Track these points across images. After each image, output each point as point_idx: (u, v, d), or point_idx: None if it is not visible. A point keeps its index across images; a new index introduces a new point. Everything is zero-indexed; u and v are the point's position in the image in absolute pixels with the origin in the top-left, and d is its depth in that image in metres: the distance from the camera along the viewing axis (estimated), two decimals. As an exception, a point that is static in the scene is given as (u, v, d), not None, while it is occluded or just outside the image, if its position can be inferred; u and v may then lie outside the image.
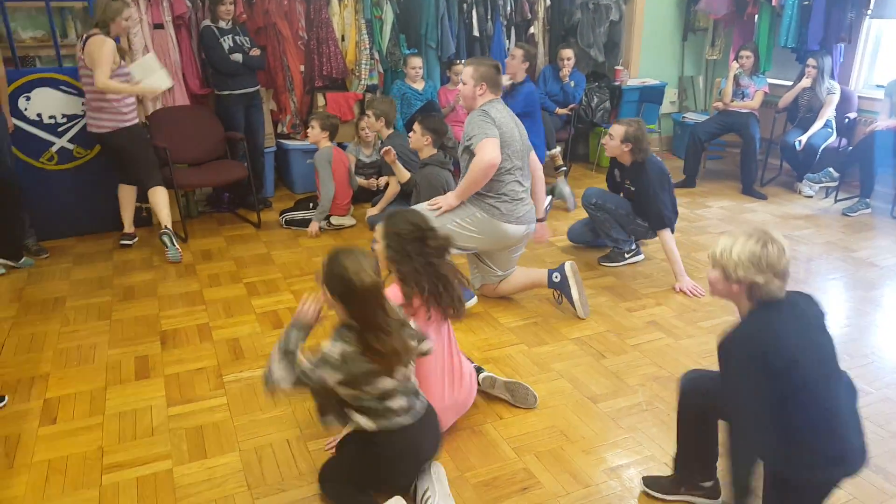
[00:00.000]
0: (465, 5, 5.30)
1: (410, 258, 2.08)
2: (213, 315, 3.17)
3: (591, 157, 5.93)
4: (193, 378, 2.64)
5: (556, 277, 3.15)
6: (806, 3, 4.98)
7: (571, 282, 3.12)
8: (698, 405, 1.86)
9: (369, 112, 4.35)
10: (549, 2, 5.64)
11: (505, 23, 5.49)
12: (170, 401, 2.49)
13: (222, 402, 2.48)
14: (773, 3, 5.25)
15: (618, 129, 3.49)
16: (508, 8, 5.47)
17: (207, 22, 4.26)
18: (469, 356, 2.79)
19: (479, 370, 2.52)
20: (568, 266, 3.14)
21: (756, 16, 5.55)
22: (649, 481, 2.04)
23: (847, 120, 4.98)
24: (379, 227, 2.17)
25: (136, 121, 3.79)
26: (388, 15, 5.04)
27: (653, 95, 5.78)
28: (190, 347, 2.88)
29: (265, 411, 2.42)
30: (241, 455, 2.18)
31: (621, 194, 3.74)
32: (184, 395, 2.52)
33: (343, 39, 5.00)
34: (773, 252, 1.55)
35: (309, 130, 4.22)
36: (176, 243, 3.79)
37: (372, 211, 4.40)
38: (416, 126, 3.65)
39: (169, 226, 3.85)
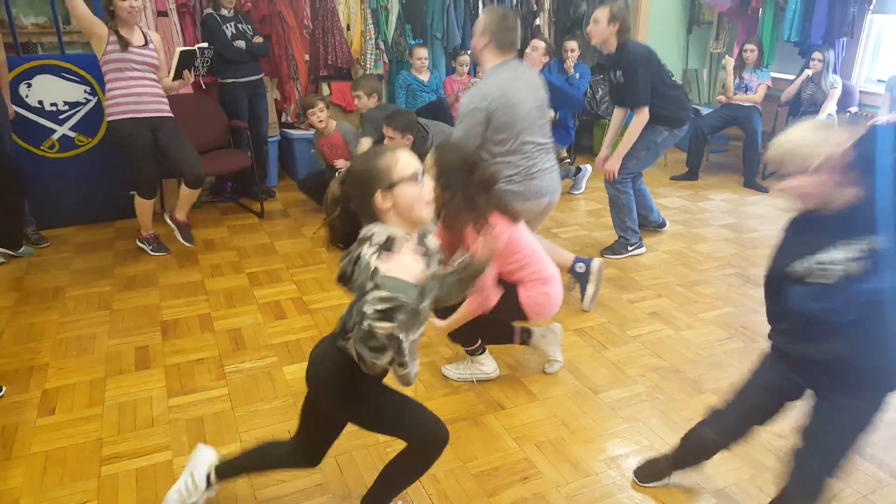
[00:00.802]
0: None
1: (455, 189, 2.14)
2: (215, 305, 3.17)
3: (595, 150, 5.90)
4: (194, 369, 2.64)
5: (581, 268, 3.10)
6: (810, -3, 4.96)
7: (593, 279, 3.09)
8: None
9: (360, 92, 4.09)
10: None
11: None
12: (170, 391, 2.48)
13: (223, 393, 2.48)
14: (779, -3, 5.23)
15: (602, 12, 3.36)
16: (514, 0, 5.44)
17: (210, 10, 4.24)
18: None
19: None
20: (596, 263, 3.09)
21: (760, 10, 5.52)
22: (640, 474, 2.03)
23: (848, 114, 4.96)
24: (428, 157, 2.22)
25: (122, 116, 3.43)
26: (394, 5, 5.02)
27: (656, 88, 5.75)
28: (191, 338, 2.88)
29: (266, 402, 2.42)
30: (241, 446, 2.18)
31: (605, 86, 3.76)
32: (184, 386, 2.52)
33: (348, 29, 4.99)
34: (836, 126, 1.49)
35: (318, 114, 4.09)
36: (157, 250, 3.76)
37: None
38: (391, 132, 3.42)
39: (146, 233, 3.77)
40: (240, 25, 4.27)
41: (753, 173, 5.13)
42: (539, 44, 4.49)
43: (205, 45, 3.78)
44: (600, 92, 5.63)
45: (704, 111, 5.67)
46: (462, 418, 2.33)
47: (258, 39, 4.34)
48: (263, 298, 3.24)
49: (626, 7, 3.25)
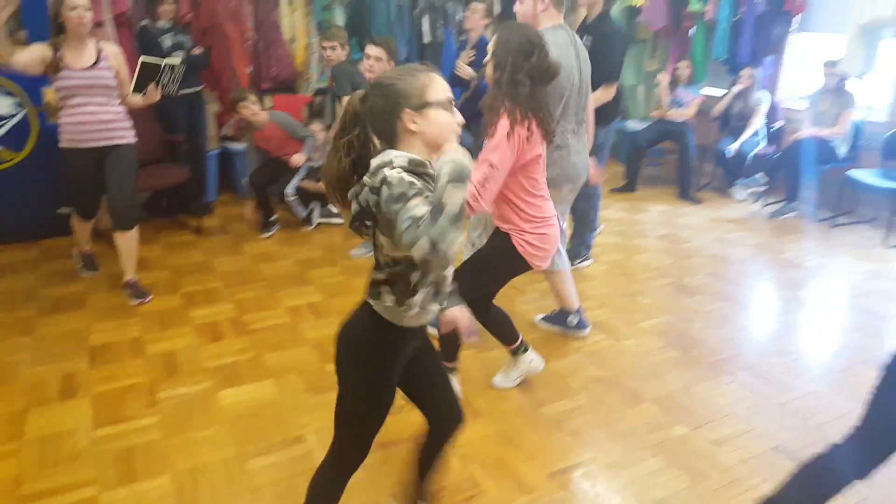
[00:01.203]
0: (415, 12, 5.29)
1: (504, 69, 2.04)
2: (147, 328, 3.03)
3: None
4: (124, 396, 2.51)
5: (573, 322, 3.03)
6: (737, 18, 5.20)
7: (568, 332, 3.05)
8: None
9: (335, 43, 3.87)
10: (497, 11, 5.69)
11: (455, 31, 5.51)
12: (97, 422, 2.35)
13: (154, 422, 2.36)
14: (707, 18, 5.46)
15: None
16: (458, 16, 5.48)
17: (145, 21, 4.10)
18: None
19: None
20: (586, 332, 3.05)
21: (692, 29, 5.76)
22: None
23: (775, 128, 5.23)
24: (494, 35, 2.14)
25: (65, 145, 3.12)
26: (339, 18, 4.99)
27: (595, 103, 5.90)
28: (121, 363, 2.74)
29: (201, 430, 2.33)
30: (173, 477, 2.08)
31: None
32: (113, 415, 2.39)
33: (293, 41, 4.93)
34: None
35: (250, 106, 4.05)
36: (86, 268, 3.58)
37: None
38: (379, 52, 3.34)
39: (82, 250, 3.55)
40: (177, 37, 4.14)
41: (687, 186, 5.32)
42: (478, 5, 4.20)
43: (177, 60, 3.52)
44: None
45: (641, 126, 5.86)
46: (406, 439, 2.28)
47: (198, 51, 4.23)
48: (199, 319, 3.12)
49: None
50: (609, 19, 3.43)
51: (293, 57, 4.92)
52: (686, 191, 5.31)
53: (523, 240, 2.23)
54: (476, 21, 4.24)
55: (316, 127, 4.53)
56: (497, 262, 2.32)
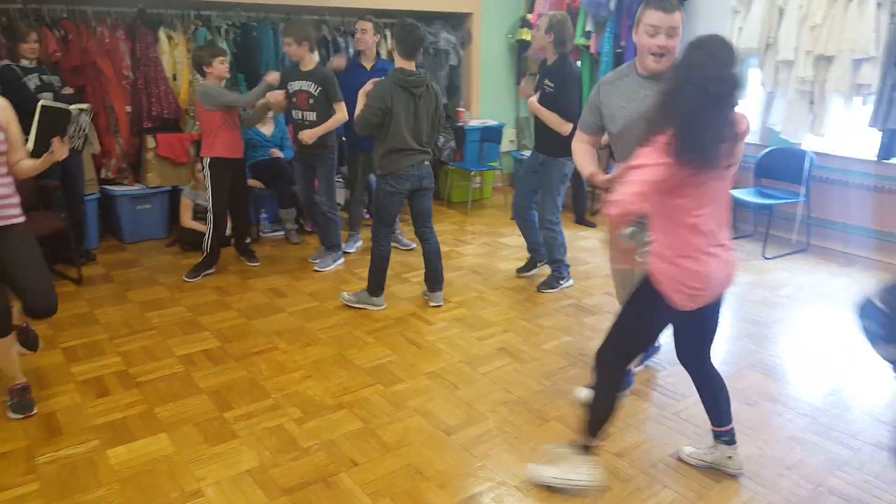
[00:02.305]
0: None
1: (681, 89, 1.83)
2: (21, 388, 2.77)
3: (441, 194, 6.11)
4: (-5, 465, 2.27)
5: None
6: (619, 51, 5.60)
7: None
8: None
9: (289, 40, 3.81)
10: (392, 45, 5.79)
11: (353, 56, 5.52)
12: (-38, 497, 2.11)
13: (34, 489, 2.15)
14: (592, 52, 5.84)
15: (543, 21, 3.60)
16: (351, 50, 5.52)
17: (6, 61, 3.83)
18: (322, 402, 2.71)
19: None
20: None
21: (578, 62, 6.13)
22: None
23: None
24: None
25: None
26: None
27: (493, 135, 6.12)
28: (-9, 429, 2.48)
29: (88, 492, 2.14)
30: (52, 549, 1.90)
31: (539, 94, 3.73)
32: (-18, 488, 2.16)
33: (175, 78, 4.76)
34: None
35: (226, 62, 3.94)
36: (20, 409, 2.59)
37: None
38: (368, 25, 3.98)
39: (12, 384, 2.63)
40: (44, 77, 3.89)
41: (583, 211, 5.60)
42: (367, 25, 4.20)
43: (85, 106, 2.68)
44: (441, 140, 5.87)
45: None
46: (313, 482, 2.22)
47: (68, 90, 3.99)
48: (82, 375, 2.89)
49: (564, 22, 3.44)
50: (565, 62, 3.66)
51: (176, 94, 4.74)
52: (582, 215, 5.58)
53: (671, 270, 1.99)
54: (369, 40, 4.25)
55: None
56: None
